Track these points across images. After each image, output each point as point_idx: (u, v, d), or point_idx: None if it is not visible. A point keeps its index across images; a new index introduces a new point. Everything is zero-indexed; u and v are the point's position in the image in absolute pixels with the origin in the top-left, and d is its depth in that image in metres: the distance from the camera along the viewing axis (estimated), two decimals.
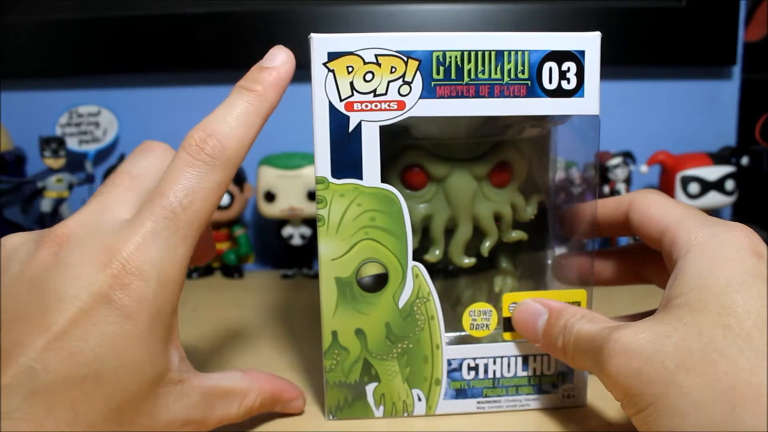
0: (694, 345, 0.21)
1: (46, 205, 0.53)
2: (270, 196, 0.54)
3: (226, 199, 0.54)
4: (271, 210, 0.54)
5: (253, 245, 0.60)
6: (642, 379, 0.21)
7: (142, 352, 0.21)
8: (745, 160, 0.55)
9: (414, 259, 0.28)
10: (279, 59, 0.25)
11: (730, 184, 0.54)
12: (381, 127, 0.27)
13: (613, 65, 0.59)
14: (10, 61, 0.59)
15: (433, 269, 0.31)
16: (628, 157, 0.56)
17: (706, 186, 0.53)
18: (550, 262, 0.33)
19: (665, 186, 0.55)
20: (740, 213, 0.59)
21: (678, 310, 0.22)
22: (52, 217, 0.54)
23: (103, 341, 0.20)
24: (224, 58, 0.58)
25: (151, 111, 0.61)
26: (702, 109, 0.61)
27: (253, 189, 0.57)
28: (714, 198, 0.54)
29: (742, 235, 0.23)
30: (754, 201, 0.57)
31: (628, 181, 0.55)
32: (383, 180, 0.27)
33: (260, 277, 0.57)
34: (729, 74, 0.61)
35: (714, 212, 0.55)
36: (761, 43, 0.59)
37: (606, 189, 0.55)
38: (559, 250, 0.33)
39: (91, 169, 0.58)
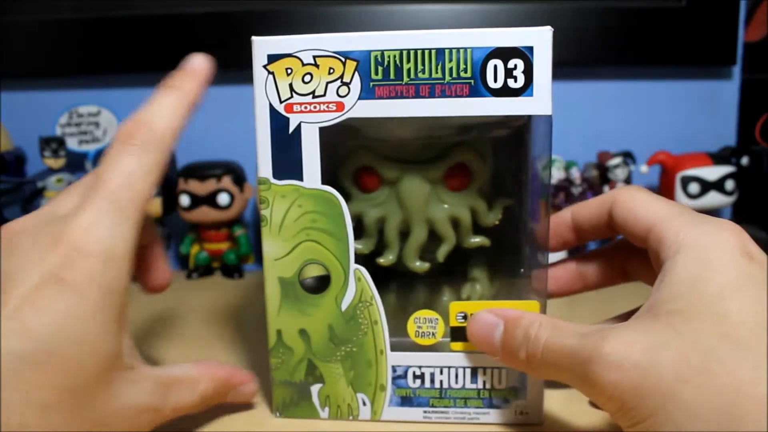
0: (692, 356, 0.20)
1: None
2: None
3: (226, 199, 0.54)
4: None
5: (253, 245, 0.60)
6: (639, 392, 0.21)
7: (94, 330, 0.22)
8: (745, 160, 0.55)
9: (367, 262, 0.28)
10: (196, 62, 0.29)
11: (730, 184, 0.54)
12: (332, 128, 0.26)
13: (613, 65, 0.59)
14: (10, 61, 0.59)
15: (401, 274, 0.31)
16: (628, 157, 0.56)
17: (706, 186, 0.53)
18: (523, 269, 0.32)
19: (665, 186, 0.55)
20: (740, 213, 0.59)
21: (670, 317, 0.21)
22: None
23: (54, 318, 0.21)
24: (224, 58, 0.58)
25: None
26: (702, 109, 0.61)
27: (253, 189, 0.57)
28: (714, 198, 0.53)
29: (732, 234, 0.23)
30: (754, 201, 0.57)
31: (628, 181, 0.55)
32: (336, 181, 0.27)
33: (260, 277, 0.57)
34: (729, 74, 0.60)
35: (714, 212, 0.55)
36: (761, 43, 0.59)
37: (606, 189, 0.55)
38: (555, 256, 0.32)
39: (91, 169, 0.58)
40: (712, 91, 0.60)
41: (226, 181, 0.54)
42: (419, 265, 0.30)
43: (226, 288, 0.54)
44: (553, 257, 0.32)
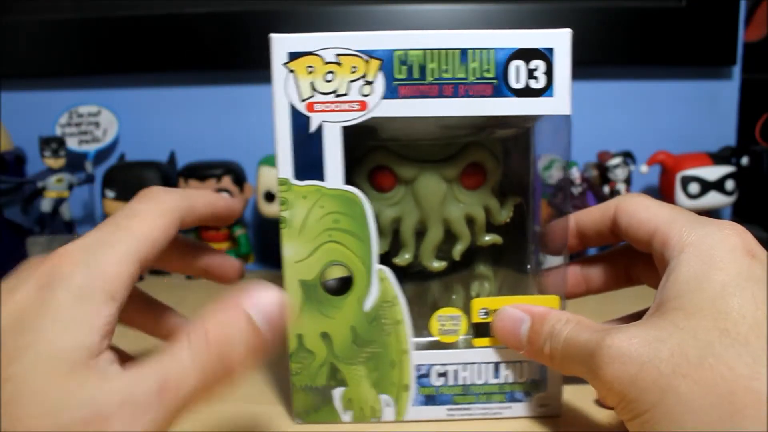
0: (691, 350, 0.20)
1: (46, 205, 0.53)
2: (270, 196, 0.54)
3: None
4: (271, 210, 0.54)
5: (253, 245, 0.60)
6: (638, 385, 0.21)
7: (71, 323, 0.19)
8: (745, 160, 0.55)
9: (384, 262, 0.28)
10: None
11: (730, 184, 0.54)
12: (348, 128, 0.26)
13: (613, 65, 0.59)
14: (10, 61, 0.59)
15: (411, 272, 0.31)
16: (628, 157, 0.56)
17: (706, 186, 0.53)
18: (529, 266, 0.32)
19: (665, 186, 0.55)
20: (740, 213, 0.59)
21: (672, 314, 0.22)
22: (52, 217, 0.54)
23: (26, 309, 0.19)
24: (224, 58, 0.58)
25: (151, 111, 0.61)
26: (702, 109, 0.61)
27: (253, 189, 0.57)
28: (714, 198, 0.54)
29: (735, 234, 0.23)
30: (754, 201, 0.57)
31: (628, 181, 0.55)
32: (351, 181, 0.27)
33: (260, 277, 0.57)
34: (729, 74, 0.61)
35: (714, 212, 0.55)
36: (761, 43, 0.59)
37: (606, 189, 0.55)
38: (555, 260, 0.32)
39: (91, 169, 0.58)
40: (712, 91, 0.60)
41: (226, 181, 0.54)
42: (437, 265, 0.30)
43: (226, 288, 0.54)
44: (553, 261, 0.32)
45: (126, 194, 0.54)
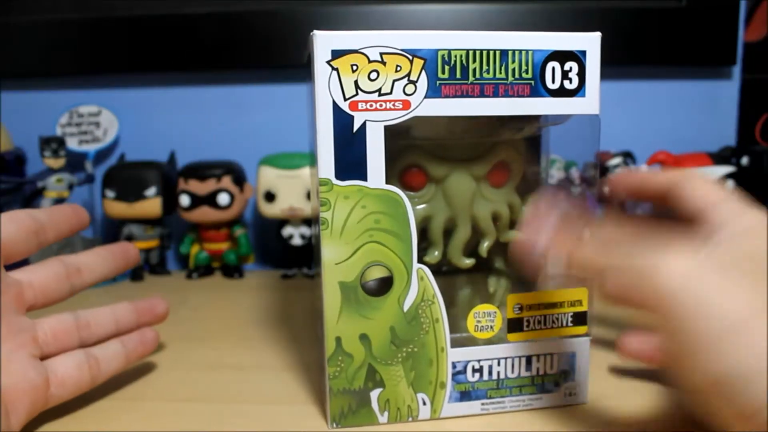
0: (730, 270, 0.21)
1: (46, 205, 0.53)
2: (270, 196, 0.54)
3: (226, 199, 0.54)
4: (271, 210, 0.54)
5: (253, 245, 0.60)
6: (680, 297, 0.21)
7: None
8: (745, 160, 0.55)
9: None
10: None
11: (729, 184, 0.54)
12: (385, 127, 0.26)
13: (613, 65, 0.59)
14: (10, 61, 0.59)
15: (440, 271, 0.31)
16: (628, 157, 0.56)
17: None
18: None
19: None
20: None
21: (710, 240, 0.22)
22: None
23: None
24: (224, 58, 0.58)
25: (151, 111, 0.61)
26: (702, 109, 0.61)
27: (253, 189, 0.57)
28: None
29: None
30: (754, 201, 0.57)
31: None
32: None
33: (260, 277, 0.57)
34: (729, 74, 0.61)
35: None
36: (761, 43, 0.59)
37: (606, 189, 0.55)
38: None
39: (91, 169, 0.58)
40: (712, 91, 0.61)
41: (226, 181, 0.54)
42: (468, 262, 0.30)
43: (226, 288, 0.54)
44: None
45: (126, 194, 0.54)
